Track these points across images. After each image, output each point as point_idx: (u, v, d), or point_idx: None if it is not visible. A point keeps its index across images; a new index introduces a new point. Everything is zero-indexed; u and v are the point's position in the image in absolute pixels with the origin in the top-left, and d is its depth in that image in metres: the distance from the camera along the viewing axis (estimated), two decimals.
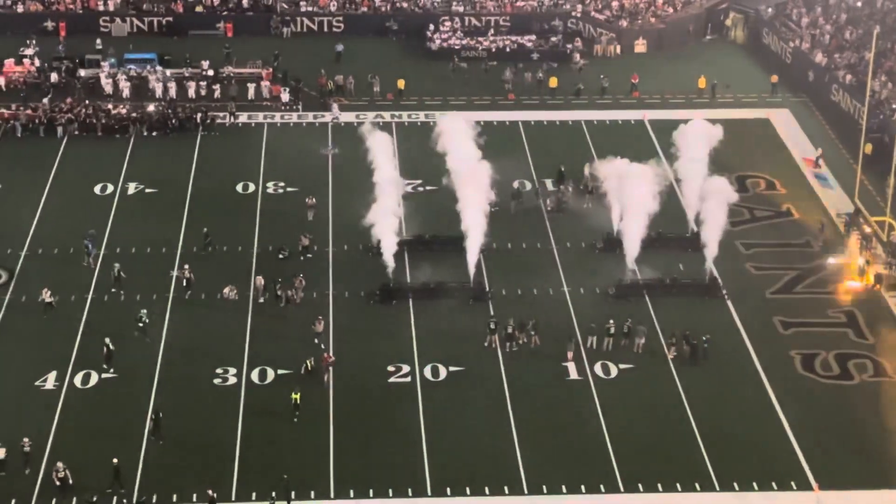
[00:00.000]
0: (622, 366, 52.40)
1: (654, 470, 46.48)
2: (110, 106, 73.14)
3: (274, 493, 44.34)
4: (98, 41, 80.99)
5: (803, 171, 68.59)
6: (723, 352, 53.18)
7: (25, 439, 45.80)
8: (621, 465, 46.70)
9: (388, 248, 57.34)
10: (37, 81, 76.54)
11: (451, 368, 51.89)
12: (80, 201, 64.11)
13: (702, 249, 57.99)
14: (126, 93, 75.59)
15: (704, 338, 52.78)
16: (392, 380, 51.25)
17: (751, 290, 57.65)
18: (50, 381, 50.58)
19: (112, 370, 51.13)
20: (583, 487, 45.66)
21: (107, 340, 51.62)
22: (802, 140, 72.34)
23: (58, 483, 44.47)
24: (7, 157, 68.41)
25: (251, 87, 75.99)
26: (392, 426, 48.54)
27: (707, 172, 60.08)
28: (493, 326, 53.39)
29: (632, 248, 57.93)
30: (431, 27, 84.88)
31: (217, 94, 75.70)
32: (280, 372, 51.32)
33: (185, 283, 56.18)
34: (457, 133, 61.03)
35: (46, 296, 54.76)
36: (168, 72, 77.28)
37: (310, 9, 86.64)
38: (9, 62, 77.43)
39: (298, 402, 48.52)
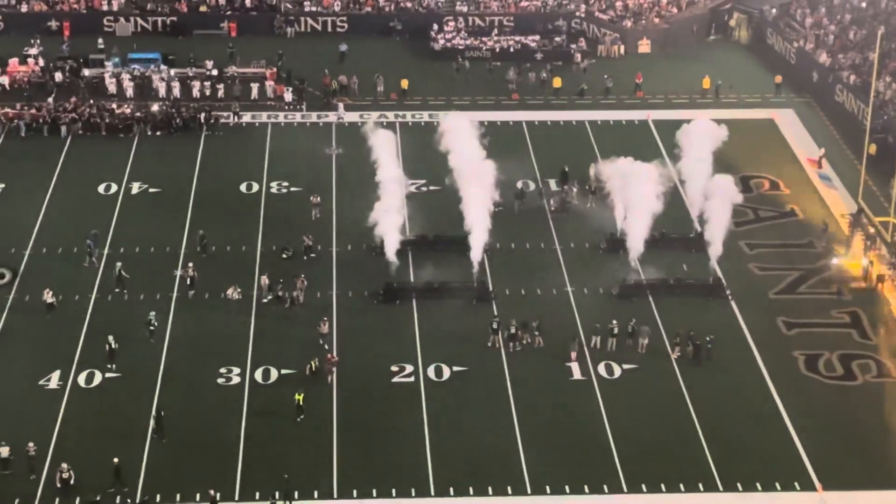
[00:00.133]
0: (626, 366, 52.37)
1: (657, 470, 46.48)
2: (114, 105, 73.05)
3: (276, 493, 44.37)
4: (101, 41, 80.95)
5: (807, 172, 68.54)
6: (726, 352, 53.14)
7: (31, 444, 45.74)
8: (624, 466, 46.70)
9: (392, 248, 57.39)
10: (41, 81, 76.44)
11: (455, 368, 51.88)
12: (83, 201, 64.08)
13: (705, 249, 58.02)
14: (130, 92, 75.53)
15: (708, 338, 52.73)
16: (395, 380, 51.23)
17: (754, 291, 57.60)
18: (54, 380, 50.61)
19: (115, 369, 51.18)
20: (586, 487, 45.67)
21: (109, 338, 51.68)
22: (806, 140, 72.20)
23: (58, 485, 44.48)
24: (11, 157, 68.38)
25: (255, 86, 75.88)
26: (395, 426, 48.52)
27: (711, 172, 60.06)
28: (496, 326, 53.40)
29: (635, 248, 57.95)
30: (435, 27, 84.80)
31: (221, 93, 75.63)
32: (283, 372, 51.34)
33: (189, 282, 56.18)
34: (460, 132, 61.05)
35: (48, 296, 54.80)
36: (172, 71, 77.19)
37: (313, 8, 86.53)
38: (13, 62, 77.41)
39: (301, 403, 48.53)
